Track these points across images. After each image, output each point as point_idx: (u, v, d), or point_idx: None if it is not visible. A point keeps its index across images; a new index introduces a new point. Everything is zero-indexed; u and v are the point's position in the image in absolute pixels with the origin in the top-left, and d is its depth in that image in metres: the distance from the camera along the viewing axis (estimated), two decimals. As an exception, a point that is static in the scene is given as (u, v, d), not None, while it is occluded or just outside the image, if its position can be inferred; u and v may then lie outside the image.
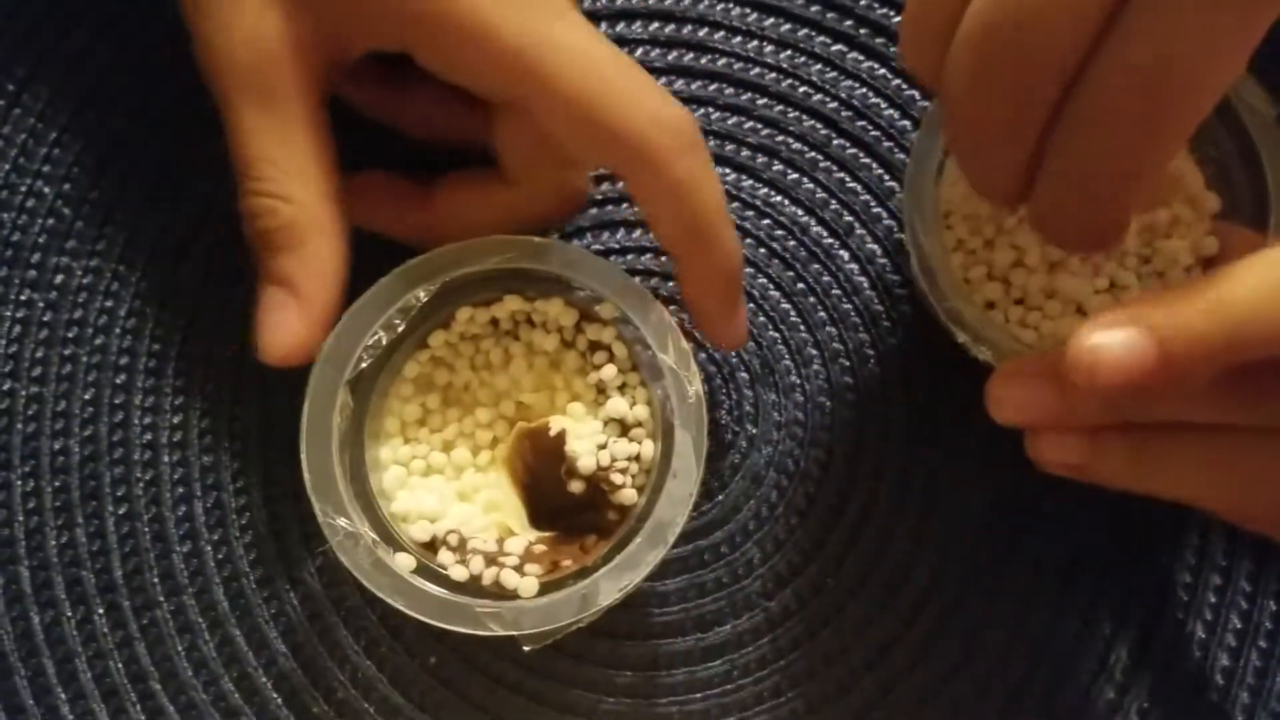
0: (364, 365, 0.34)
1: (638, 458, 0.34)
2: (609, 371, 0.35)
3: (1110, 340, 0.27)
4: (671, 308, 0.38)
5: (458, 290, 0.35)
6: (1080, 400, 0.30)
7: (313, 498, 0.32)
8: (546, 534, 0.35)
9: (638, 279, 0.34)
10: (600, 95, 0.32)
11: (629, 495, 0.34)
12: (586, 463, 0.34)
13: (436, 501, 0.35)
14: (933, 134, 0.36)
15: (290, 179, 0.33)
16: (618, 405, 0.34)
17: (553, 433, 0.34)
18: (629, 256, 0.40)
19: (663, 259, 0.40)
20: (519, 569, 0.33)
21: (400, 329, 0.34)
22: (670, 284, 0.40)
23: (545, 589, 0.33)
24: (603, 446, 0.34)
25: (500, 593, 0.33)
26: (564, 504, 0.34)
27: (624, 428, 0.34)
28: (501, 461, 0.35)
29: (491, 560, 0.33)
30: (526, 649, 0.33)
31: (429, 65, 0.33)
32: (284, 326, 0.33)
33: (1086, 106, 0.27)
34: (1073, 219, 0.30)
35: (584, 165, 0.36)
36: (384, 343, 0.34)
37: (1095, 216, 0.30)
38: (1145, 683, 0.37)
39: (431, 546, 0.34)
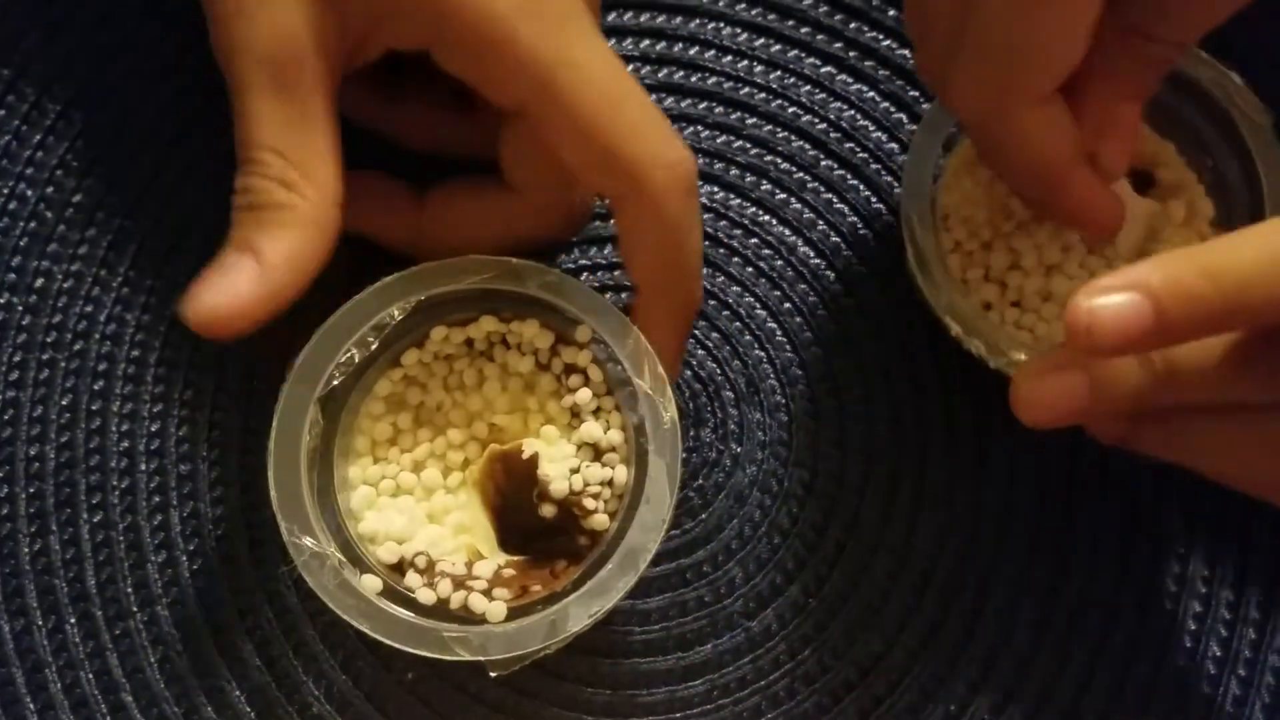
0: (335, 382, 0.33)
1: (611, 483, 0.34)
2: (584, 395, 0.34)
3: (1107, 300, 0.27)
4: None
5: (433, 309, 0.34)
6: (1109, 388, 0.30)
7: (279, 516, 0.32)
8: (516, 558, 0.34)
9: (619, 296, 0.34)
10: (609, 120, 0.32)
11: (601, 521, 0.33)
12: (559, 487, 0.33)
13: (405, 522, 0.34)
14: (931, 134, 0.36)
15: (296, 171, 0.32)
16: (592, 430, 0.34)
17: (525, 455, 0.34)
18: (616, 273, 0.40)
19: None
20: (487, 593, 0.33)
21: (374, 346, 0.34)
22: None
23: (514, 614, 0.32)
24: (575, 471, 0.34)
25: (468, 617, 0.32)
26: (535, 528, 0.34)
27: (597, 452, 0.34)
28: (472, 483, 0.35)
29: (460, 584, 0.33)
30: (493, 674, 0.32)
31: (447, 66, 0.33)
32: (229, 289, 0.31)
33: None
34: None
35: (586, 185, 0.36)
36: (356, 360, 0.34)
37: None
38: (1127, 707, 0.37)
39: (399, 568, 0.34)
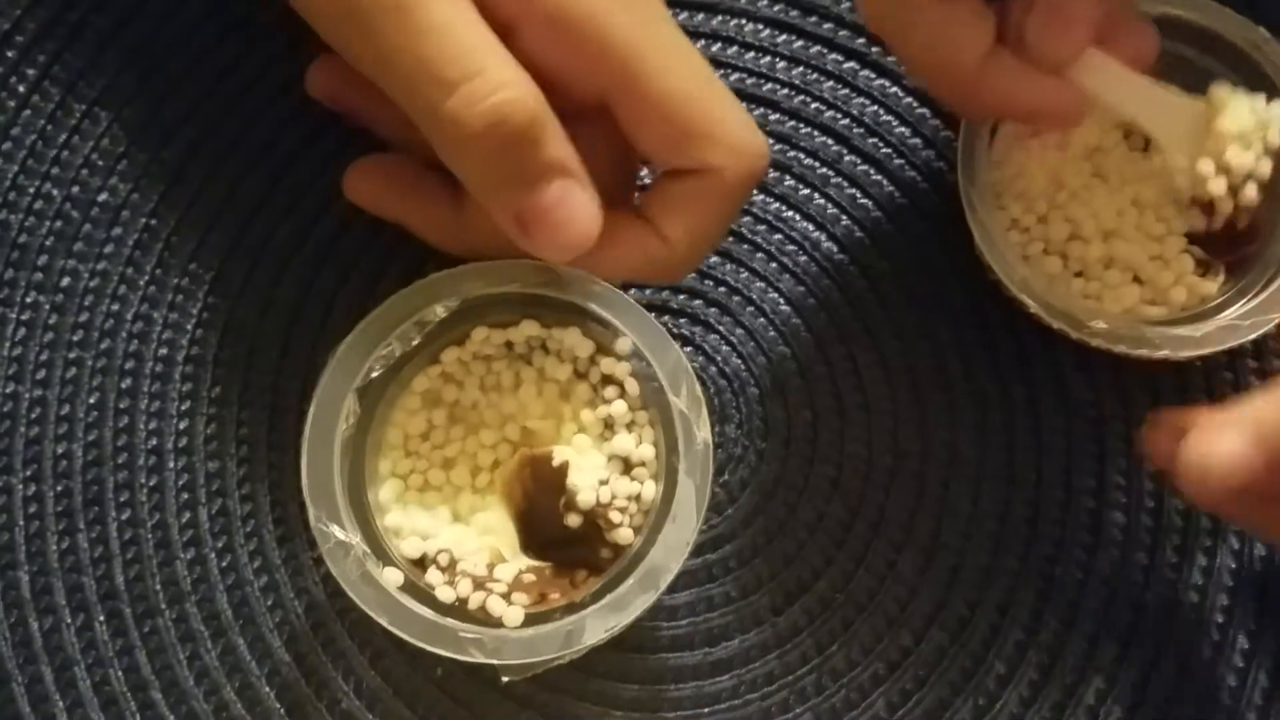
0: (374, 375, 0.33)
1: (638, 498, 0.33)
2: (619, 407, 0.34)
3: (1218, 450, 0.28)
4: (687, 349, 0.38)
5: (477, 309, 0.34)
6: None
7: (308, 503, 0.32)
8: (537, 564, 0.34)
9: (663, 317, 0.34)
10: (699, 105, 0.32)
11: (625, 535, 0.33)
12: (586, 497, 0.33)
13: (430, 519, 0.34)
14: None
15: (507, 63, 0.30)
16: (624, 442, 0.34)
17: (555, 463, 0.34)
18: (664, 293, 0.40)
19: (682, 297, 0.40)
20: (506, 597, 0.33)
21: (416, 342, 0.34)
22: (694, 328, 0.40)
23: (531, 620, 0.32)
24: (604, 482, 0.33)
25: (485, 619, 0.32)
26: (558, 536, 0.34)
27: (627, 466, 0.34)
28: (500, 485, 0.35)
29: (479, 585, 0.33)
30: (505, 679, 0.32)
31: (529, 50, 0.32)
32: (581, 210, 0.31)
33: None
34: None
35: (660, 164, 0.35)
36: (397, 354, 0.34)
37: None
38: (1155, 702, 0.37)
39: (421, 564, 0.34)
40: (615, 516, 0.33)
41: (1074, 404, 0.39)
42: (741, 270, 0.40)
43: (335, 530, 0.32)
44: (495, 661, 0.31)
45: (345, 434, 0.33)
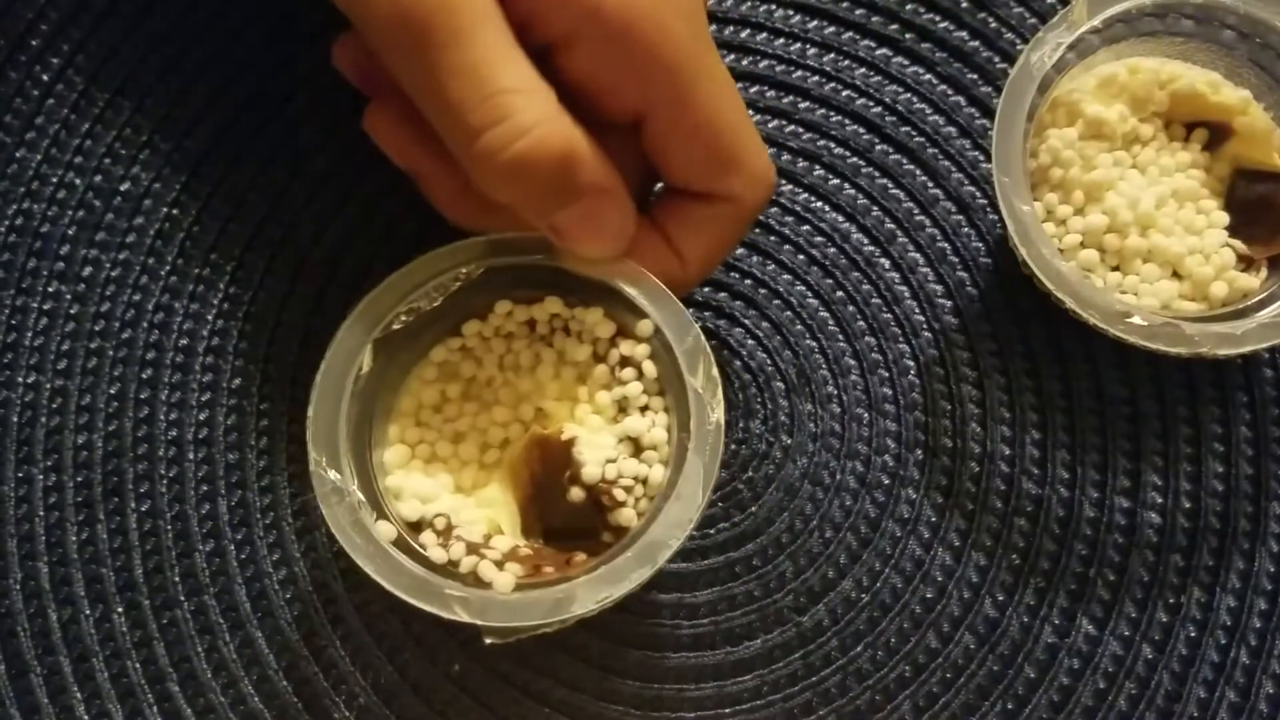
0: (395, 327, 0.33)
1: (645, 481, 0.33)
2: (634, 388, 0.34)
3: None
4: (712, 342, 0.37)
5: (501, 279, 0.34)
6: None
7: (310, 445, 0.32)
8: (535, 544, 0.34)
9: (686, 310, 0.33)
10: (735, 132, 0.33)
11: (629, 515, 0.33)
12: (591, 471, 0.33)
13: (433, 487, 0.34)
14: (1016, 103, 0.36)
15: (536, 99, 0.31)
16: (635, 423, 0.33)
17: (564, 437, 0.33)
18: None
19: (706, 289, 0.39)
20: (500, 565, 0.32)
21: (438, 303, 0.34)
22: (719, 321, 0.39)
23: (521, 589, 0.32)
24: (612, 461, 0.33)
25: (475, 583, 0.32)
26: (561, 524, 0.33)
27: (638, 448, 0.33)
28: (508, 465, 0.34)
29: (474, 550, 0.32)
30: (488, 641, 0.31)
31: (578, 62, 0.32)
32: (613, 221, 0.33)
33: None
34: None
35: (683, 184, 0.35)
36: (421, 309, 0.33)
37: None
38: (1187, 708, 0.36)
39: (417, 527, 0.33)
40: (619, 494, 0.32)
41: (1109, 401, 0.38)
42: (768, 262, 0.39)
43: (333, 475, 0.32)
44: (480, 622, 0.31)
45: (357, 387, 0.33)
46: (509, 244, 0.34)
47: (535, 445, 0.34)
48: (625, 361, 0.34)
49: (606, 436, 0.33)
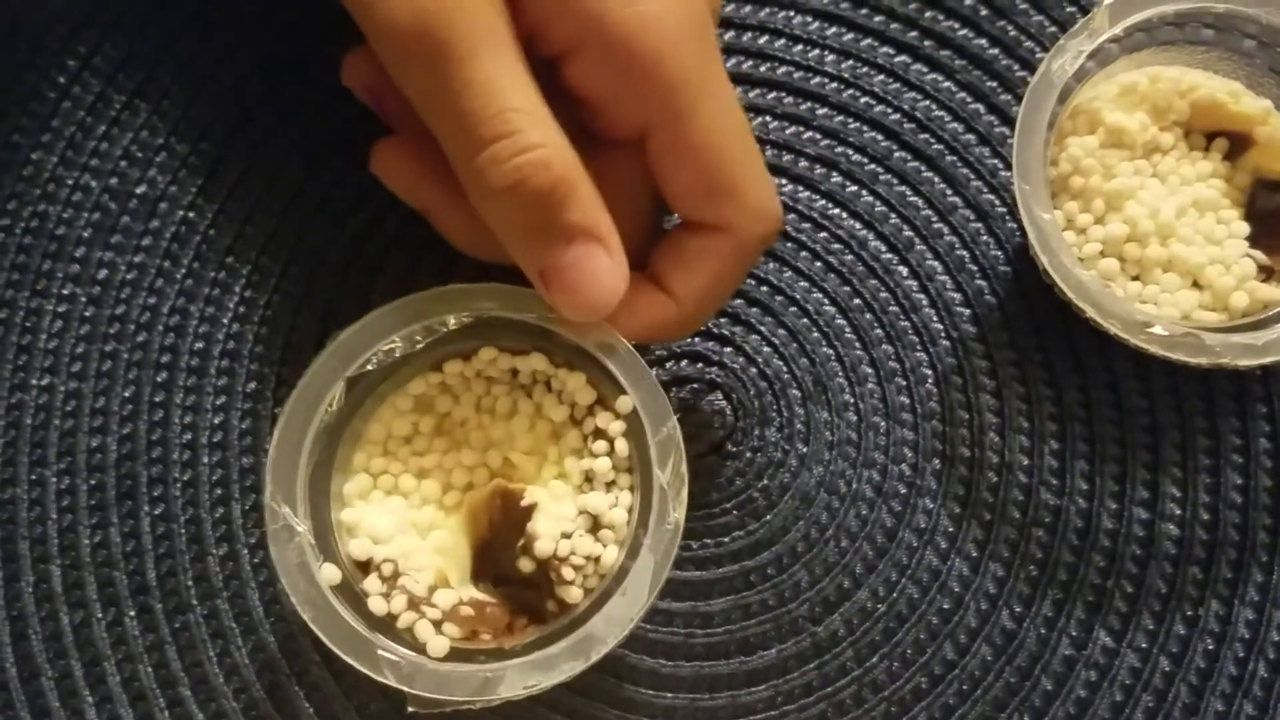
0: (369, 368, 0.33)
1: (598, 560, 0.32)
2: (603, 464, 0.33)
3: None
4: (728, 349, 0.37)
5: (488, 329, 0.34)
6: None
7: (267, 477, 0.32)
8: (480, 597, 0.33)
9: (672, 388, 0.33)
10: (736, 159, 0.32)
11: (574, 594, 0.32)
12: (544, 546, 0.32)
13: (388, 524, 0.33)
14: (1037, 110, 0.35)
15: (544, 125, 0.31)
16: (598, 500, 0.33)
17: (524, 503, 0.33)
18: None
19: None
20: (438, 625, 0.32)
21: (419, 346, 0.33)
22: (735, 328, 0.39)
23: (455, 654, 0.32)
24: (567, 536, 0.32)
25: (411, 641, 0.32)
26: (510, 576, 0.33)
27: (596, 525, 0.33)
28: (467, 509, 0.34)
29: (414, 605, 0.32)
30: (410, 709, 0.31)
31: (580, 76, 0.32)
32: (602, 276, 0.31)
33: None
34: None
35: (680, 211, 0.34)
36: (397, 354, 0.33)
37: None
38: (1209, 724, 0.36)
39: (365, 568, 0.33)
40: (568, 573, 0.32)
41: (1128, 411, 0.38)
42: (785, 269, 0.39)
43: (286, 512, 0.32)
44: (406, 689, 0.31)
45: (325, 422, 0.32)
46: (500, 296, 0.33)
47: (498, 495, 0.33)
48: (599, 434, 0.33)
49: (568, 506, 0.33)
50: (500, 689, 0.30)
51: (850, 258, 0.39)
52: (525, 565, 0.33)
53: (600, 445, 0.33)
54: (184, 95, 0.40)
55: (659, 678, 0.36)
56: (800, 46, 0.41)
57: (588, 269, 0.31)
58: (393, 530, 0.33)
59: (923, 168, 0.40)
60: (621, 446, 0.33)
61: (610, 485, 0.33)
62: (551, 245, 0.31)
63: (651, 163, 0.33)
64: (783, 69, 0.41)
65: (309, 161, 0.39)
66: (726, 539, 0.37)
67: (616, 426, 0.33)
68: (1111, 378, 0.38)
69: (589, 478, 0.33)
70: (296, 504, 0.32)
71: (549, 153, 0.30)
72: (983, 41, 0.41)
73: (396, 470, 0.34)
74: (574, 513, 0.33)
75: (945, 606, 0.36)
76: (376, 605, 0.32)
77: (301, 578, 0.31)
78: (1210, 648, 0.36)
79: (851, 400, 0.38)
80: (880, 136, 0.40)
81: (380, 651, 0.31)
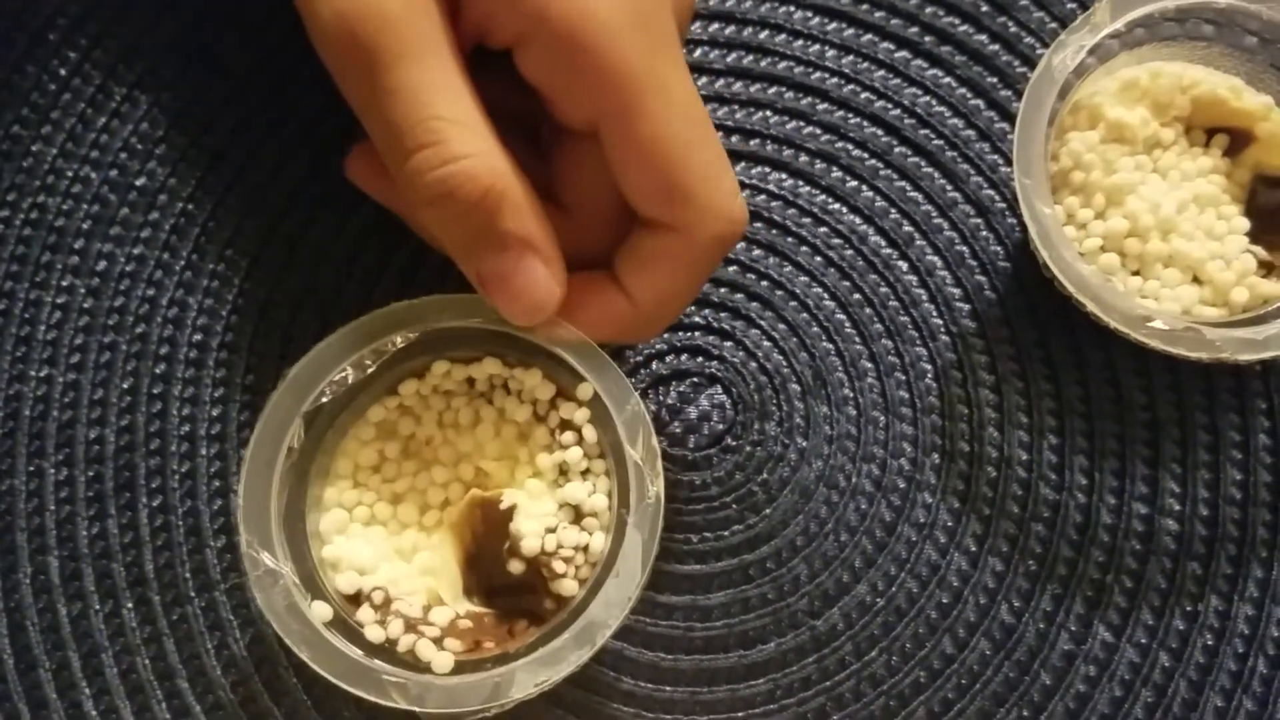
0: (324, 400, 0.33)
1: (586, 549, 0.32)
2: (574, 454, 0.33)
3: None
4: (728, 343, 0.37)
5: (438, 342, 0.33)
6: None
7: (240, 526, 0.31)
8: (476, 610, 0.33)
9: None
10: (686, 156, 0.31)
11: (569, 586, 0.32)
12: (530, 544, 0.32)
13: (371, 553, 0.33)
14: (1037, 107, 0.35)
15: (471, 134, 0.30)
16: (575, 491, 0.33)
17: (503, 506, 0.33)
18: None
19: (723, 290, 0.39)
20: (439, 641, 0.32)
21: (370, 370, 0.33)
22: (735, 322, 0.39)
23: (460, 668, 0.31)
24: (551, 530, 0.32)
25: (414, 663, 0.32)
26: (503, 583, 0.33)
27: (578, 515, 0.33)
28: (448, 526, 0.34)
29: (412, 627, 0.32)
30: None
31: (529, 68, 0.32)
32: (538, 282, 0.31)
33: None
34: None
35: (637, 210, 0.34)
36: (350, 381, 0.33)
37: None
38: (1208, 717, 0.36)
39: (355, 600, 0.33)
40: (559, 566, 0.32)
41: (1127, 406, 0.38)
42: (785, 264, 0.39)
43: (265, 558, 0.31)
44: (418, 709, 0.30)
45: (289, 461, 0.32)
46: (444, 307, 0.33)
47: (477, 507, 0.33)
48: (566, 425, 0.33)
49: (547, 502, 0.33)
50: (512, 691, 0.30)
51: (850, 252, 0.39)
52: (515, 567, 0.32)
53: (569, 436, 0.33)
54: (184, 88, 0.40)
55: (658, 671, 0.36)
56: (801, 42, 0.41)
57: (522, 276, 0.31)
58: (377, 560, 0.33)
59: (923, 163, 0.40)
60: (590, 433, 0.33)
61: (585, 473, 0.33)
62: (485, 253, 0.31)
63: (606, 157, 0.32)
64: (783, 64, 0.41)
65: (309, 155, 0.39)
66: (726, 533, 0.37)
67: (581, 414, 0.33)
68: (1111, 373, 0.38)
69: (563, 470, 0.33)
70: (274, 548, 0.31)
71: (475, 163, 0.30)
72: (983, 37, 0.41)
73: (370, 500, 0.34)
74: (554, 507, 0.33)
75: (944, 601, 0.36)
76: (373, 634, 0.32)
77: (293, 620, 0.31)
78: (1210, 643, 0.36)
79: (851, 395, 0.38)
80: (880, 132, 0.40)
81: (385, 677, 0.30)
